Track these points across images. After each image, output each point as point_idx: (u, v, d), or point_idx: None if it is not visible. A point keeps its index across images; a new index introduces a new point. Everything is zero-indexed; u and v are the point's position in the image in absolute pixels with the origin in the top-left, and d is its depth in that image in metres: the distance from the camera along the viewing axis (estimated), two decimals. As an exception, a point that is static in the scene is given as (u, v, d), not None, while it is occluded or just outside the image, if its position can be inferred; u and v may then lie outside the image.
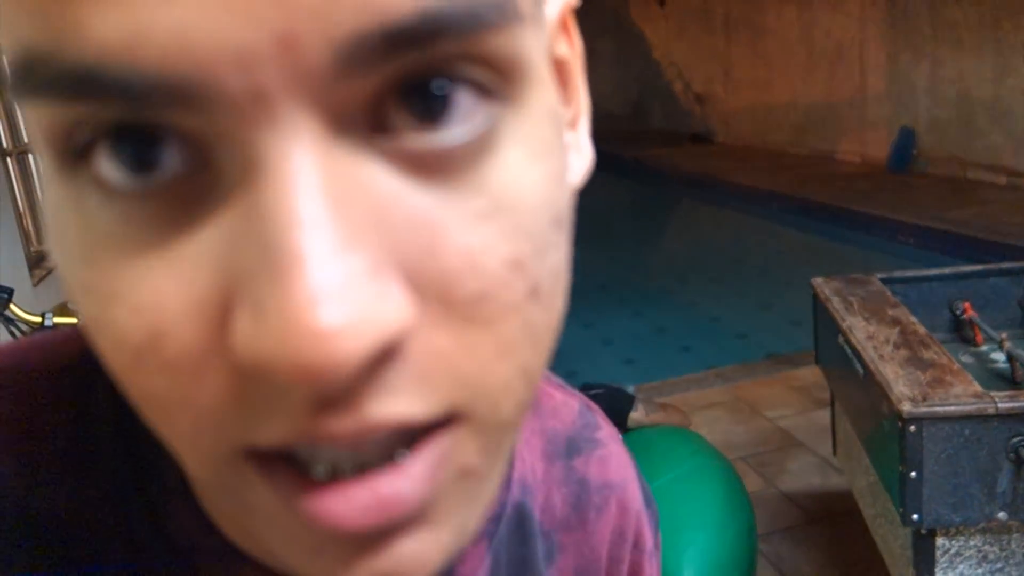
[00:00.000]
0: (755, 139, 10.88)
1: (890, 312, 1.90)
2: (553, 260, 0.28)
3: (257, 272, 0.21)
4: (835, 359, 2.03)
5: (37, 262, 4.42)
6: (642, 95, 13.90)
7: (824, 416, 3.53)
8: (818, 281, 2.18)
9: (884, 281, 2.14)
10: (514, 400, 0.26)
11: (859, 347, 1.75)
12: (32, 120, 0.22)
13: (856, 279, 2.15)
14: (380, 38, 0.20)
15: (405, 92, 0.22)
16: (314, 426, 0.22)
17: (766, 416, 3.66)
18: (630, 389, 3.09)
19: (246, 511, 0.26)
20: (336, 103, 0.21)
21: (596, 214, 9.76)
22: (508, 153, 0.24)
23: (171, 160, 0.22)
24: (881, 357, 1.67)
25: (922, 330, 1.77)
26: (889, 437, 1.56)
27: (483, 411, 0.25)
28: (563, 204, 0.28)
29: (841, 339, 1.91)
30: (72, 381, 0.34)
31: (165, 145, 0.21)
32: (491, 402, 0.25)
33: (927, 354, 1.65)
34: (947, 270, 2.16)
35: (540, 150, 0.26)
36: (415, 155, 0.23)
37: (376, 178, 0.22)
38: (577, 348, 5.49)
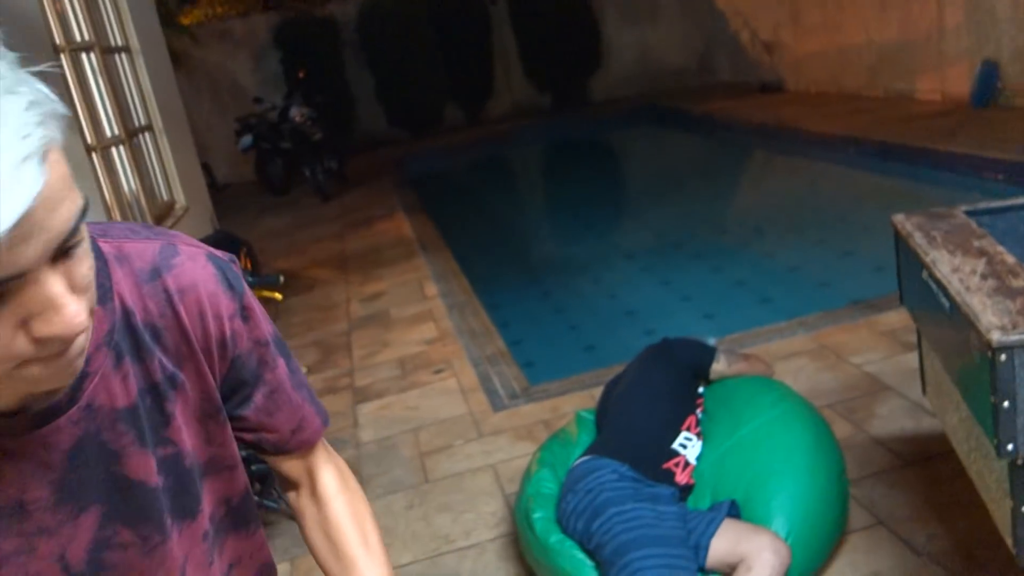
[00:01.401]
0: (828, 84, 10.56)
1: (975, 243, 1.85)
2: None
3: (43, 311, 0.65)
4: (920, 296, 1.98)
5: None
6: (708, 47, 13.61)
7: (912, 359, 3.45)
8: (899, 218, 2.13)
9: (969, 213, 2.08)
10: (89, 296, 0.70)
11: (944, 280, 1.71)
12: None
13: (939, 213, 2.09)
14: (62, 244, 0.64)
15: (64, 250, 0.65)
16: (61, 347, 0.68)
17: (852, 362, 3.60)
18: (711, 341, 3.07)
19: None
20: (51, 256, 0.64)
21: (668, 172, 9.66)
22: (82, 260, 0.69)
23: None
24: (967, 288, 1.63)
25: (1010, 259, 1.72)
26: (979, 369, 1.53)
27: (92, 304, 0.72)
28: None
29: (925, 274, 1.87)
30: None
31: None
32: (92, 305, 0.72)
33: (1016, 283, 1.60)
34: (1036, 198, 2.08)
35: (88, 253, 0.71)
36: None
37: (69, 269, 0.67)
38: (655, 306, 5.47)
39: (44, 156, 0.61)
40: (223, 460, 0.95)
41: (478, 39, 13.32)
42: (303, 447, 1.04)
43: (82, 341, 0.70)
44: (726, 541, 2.28)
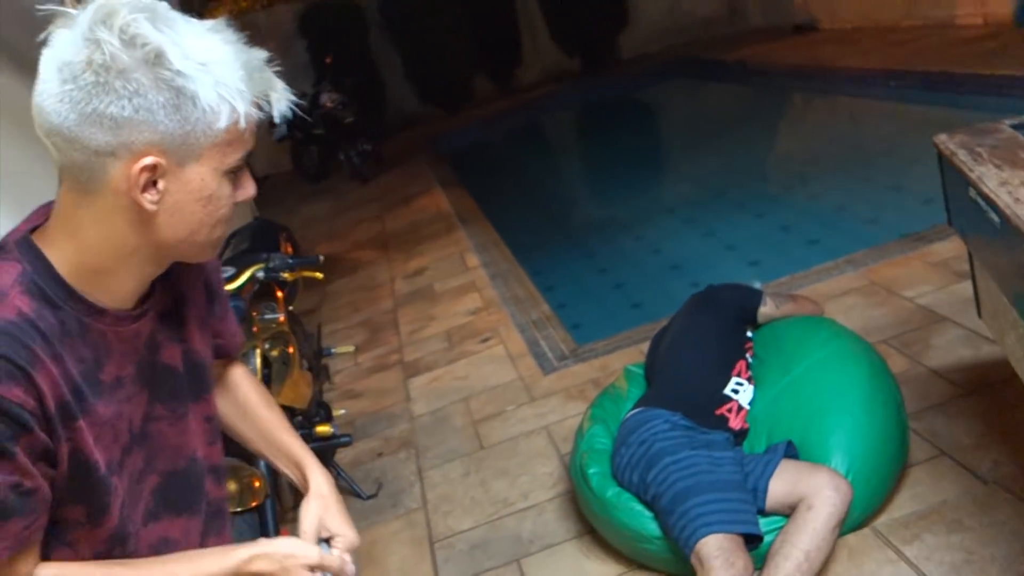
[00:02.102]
0: (863, 20, 10.26)
1: (1023, 155, 1.78)
2: None
3: (246, 183, 1.05)
4: (969, 216, 1.92)
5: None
6: (736, -7, 13.31)
7: (967, 288, 3.35)
8: (941, 137, 2.06)
9: (1015, 127, 2.00)
10: None
11: (992, 195, 1.65)
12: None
13: (983, 128, 2.01)
14: None
15: None
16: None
17: (904, 296, 3.51)
18: (757, 285, 3.02)
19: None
20: None
21: (704, 124, 9.51)
22: None
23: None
24: (1017, 200, 1.57)
25: (1060, 166, 1.65)
26: (1033, 280, 1.48)
27: None
28: None
29: (972, 192, 1.80)
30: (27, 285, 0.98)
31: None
32: None
33: (1067, 188, 1.54)
34: (1084, 103, 1.99)
35: None
36: None
37: None
38: (700, 257, 5.40)
39: None
40: (210, 363, 1.26)
41: (502, 7, 13.18)
42: (232, 352, 1.38)
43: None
44: (784, 482, 2.25)
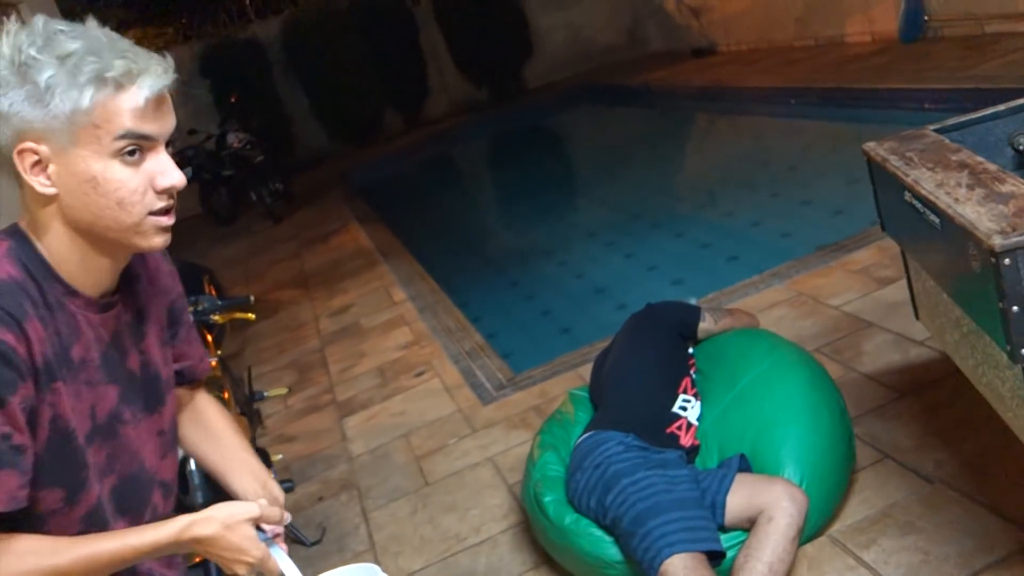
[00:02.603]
0: (759, 40, 10.63)
1: (953, 157, 1.83)
2: None
3: (164, 170, 1.12)
4: (904, 219, 1.97)
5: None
6: (636, 19, 13.63)
7: (890, 293, 3.47)
8: (870, 145, 2.11)
9: (938, 131, 2.07)
10: None
11: (931, 197, 1.69)
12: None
13: (909, 135, 2.08)
14: (169, 135, 1.17)
15: (169, 142, 1.17)
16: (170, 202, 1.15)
17: (830, 305, 3.60)
18: (693, 301, 3.05)
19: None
20: (165, 140, 1.16)
21: (614, 148, 9.65)
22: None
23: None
24: (956, 200, 1.61)
25: (992, 167, 1.70)
26: (982, 278, 1.51)
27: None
28: None
29: (908, 196, 1.85)
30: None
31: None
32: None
33: (1004, 187, 1.58)
34: (1002, 107, 2.08)
35: None
36: None
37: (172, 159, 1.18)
38: (622, 279, 5.45)
39: (172, 76, 1.11)
40: (171, 382, 1.35)
41: (406, 42, 13.19)
42: (200, 376, 1.48)
43: (173, 217, 1.16)
44: (742, 496, 2.26)
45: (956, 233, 1.58)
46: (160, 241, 1.16)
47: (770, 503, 2.19)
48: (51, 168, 1.08)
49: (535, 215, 7.77)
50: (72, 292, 1.16)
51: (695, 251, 5.64)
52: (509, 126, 12.27)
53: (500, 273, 6.38)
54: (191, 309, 2.73)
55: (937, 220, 1.69)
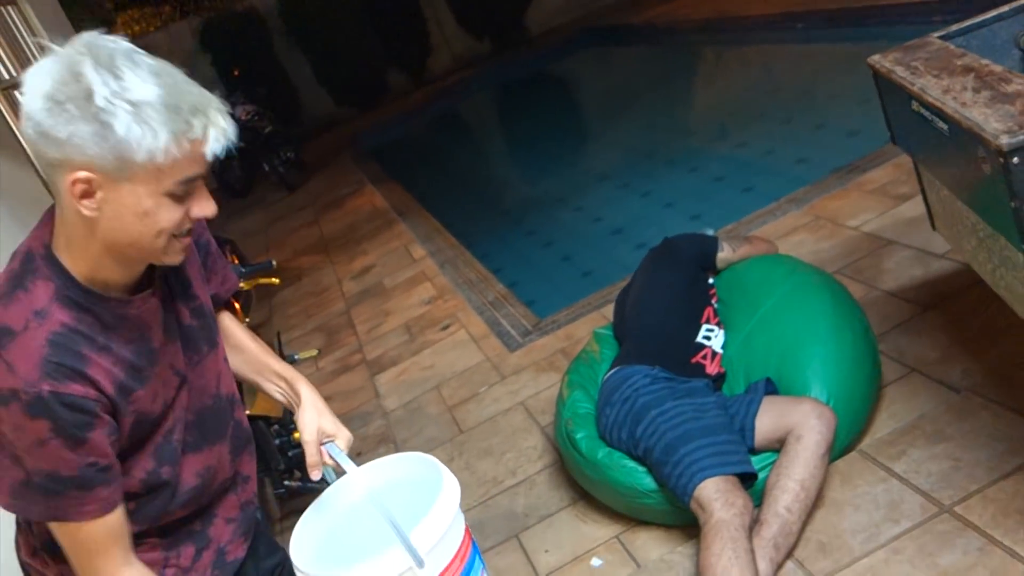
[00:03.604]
0: (761, -33, 10.42)
1: (958, 62, 1.82)
2: None
3: (202, 201, 1.19)
4: (914, 129, 1.96)
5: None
6: (635, -43, 13.40)
7: (908, 209, 3.46)
8: (875, 58, 2.10)
9: (943, 37, 2.05)
10: None
11: (937, 103, 1.69)
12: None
13: (913, 44, 2.06)
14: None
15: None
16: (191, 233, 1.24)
17: (849, 226, 3.60)
18: (711, 232, 3.06)
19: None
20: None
21: (621, 88, 9.56)
22: None
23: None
24: (963, 104, 1.61)
25: (998, 68, 1.69)
26: (993, 180, 1.51)
27: None
28: None
29: (916, 105, 1.84)
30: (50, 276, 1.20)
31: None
32: None
33: (1010, 87, 1.58)
34: (1006, 8, 2.05)
35: None
36: None
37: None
38: (639, 219, 5.45)
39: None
40: (213, 312, 1.47)
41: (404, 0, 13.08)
42: (227, 295, 1.58)
43: (188, 240, 1.24)
44: (770, 417, 2.29)
45: (965, 138, 1.58)
46: (181, 257, 1.24)
47: (798, 422, 2.23)
48: (99, 195, 1.12)
49: (548, 162, 7.75)
50: (119, 301, 1.23)
51: (710, 185, 5.61)
52: (514, 75, 12.17)
53: (517, 223, 6.39)
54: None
55: (945, 127, 1.69)
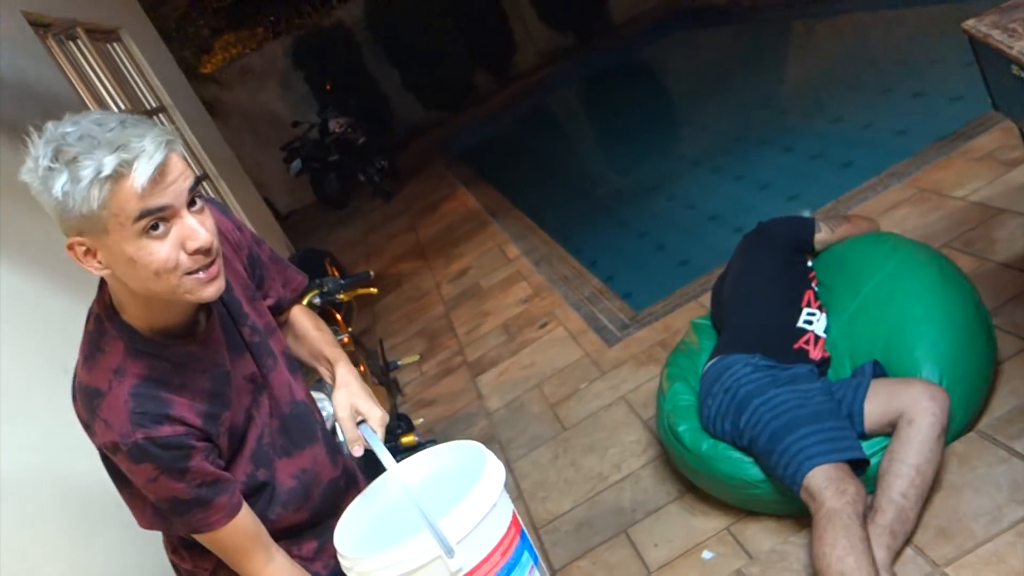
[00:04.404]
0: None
1: (1061, 21, 1.73)
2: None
3: (190, 234, 1.20)
4: (1017, 95, 1.88)
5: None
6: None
7: (1021, 175, 3.29)
8: (970, 23, 2.01)
9: (1043, -4, 1.95)
10: (217, 241, 1.30)
11: (1039, 67, 1.61)
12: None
13: (1010, 4, 1.96)
14: (188, 196, 1.20)
15: (191, 201, 1.21)
16: (207, 259, 1.25)
17: (955, 196, 3.45)
18: (807, 213, 2.98)
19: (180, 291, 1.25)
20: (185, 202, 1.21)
21: (710, 71, 9.40)
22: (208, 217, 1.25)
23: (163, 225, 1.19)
24: (1067, 66, 1.53)
25: (1104, 23, 1.60)
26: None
27: (219, 251, 1.31)
28: None
29: (1016, 69, 1.76)
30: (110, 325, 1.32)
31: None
32: (219, 252, 1.30)
33: (1119, 43, 1.49)
34: (1112, -42, 1.94)
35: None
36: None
37: (201, 220, 1.22)
38: (734, 203, 5.35)
39: (169, 144, 1.17)
40: (271, 325, 1.54)
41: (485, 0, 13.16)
42: (293, 296, 1.68)
43: (219, 265, 1.26)
44: (879, 402, 2.22)
45: (1070, 100, 1.50)
46: (212, 291, 1.26)
47: (909, 405, 2.15)
48: (100, 254, 1.20)
49: (638, 152, 7.68)
50: (183, 339, 1.34)
51: (806, 163, 5.46)
52: (600, 66, 12.10)
53: (610, 216, 6.37)
54: (315, 292, 2.86)
55: (1049, 89, 1.61)
